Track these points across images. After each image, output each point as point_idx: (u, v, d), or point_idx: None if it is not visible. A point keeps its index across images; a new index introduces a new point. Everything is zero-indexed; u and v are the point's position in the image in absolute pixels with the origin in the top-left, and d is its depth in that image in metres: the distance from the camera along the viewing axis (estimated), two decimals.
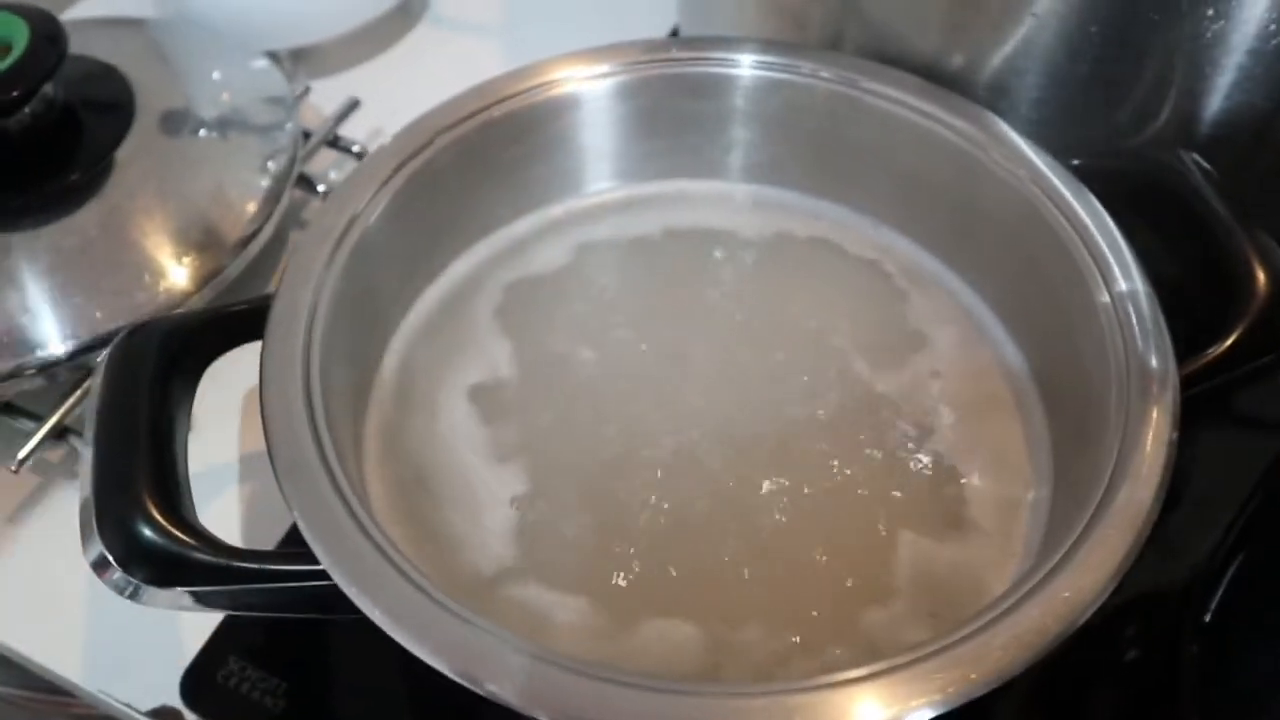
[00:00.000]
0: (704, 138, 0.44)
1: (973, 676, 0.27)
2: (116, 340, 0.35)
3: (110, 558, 0.31)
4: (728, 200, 0.45)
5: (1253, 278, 0.37)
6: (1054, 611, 0.28)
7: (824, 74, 0.42)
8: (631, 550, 0.35)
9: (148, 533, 0.31)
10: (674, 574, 0.35)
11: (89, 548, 0.31)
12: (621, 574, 0.35)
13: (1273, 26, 0.39)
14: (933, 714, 0.27)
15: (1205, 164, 0.41)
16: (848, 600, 0.34)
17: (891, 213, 0.44)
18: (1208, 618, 0.39)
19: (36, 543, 0.44)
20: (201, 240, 0.46)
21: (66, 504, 0.45)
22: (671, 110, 0.43)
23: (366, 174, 0.38)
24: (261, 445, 0.45)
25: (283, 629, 0.41)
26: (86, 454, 0.33)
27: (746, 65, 0.42)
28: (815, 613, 0.34)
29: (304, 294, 0.35)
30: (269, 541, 0.43)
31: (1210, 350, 0.36)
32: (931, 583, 0.35)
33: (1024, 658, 0.27)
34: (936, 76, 0.43)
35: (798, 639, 0.33)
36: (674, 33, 0.62)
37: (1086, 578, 0.29)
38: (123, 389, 0.34)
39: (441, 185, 0.40)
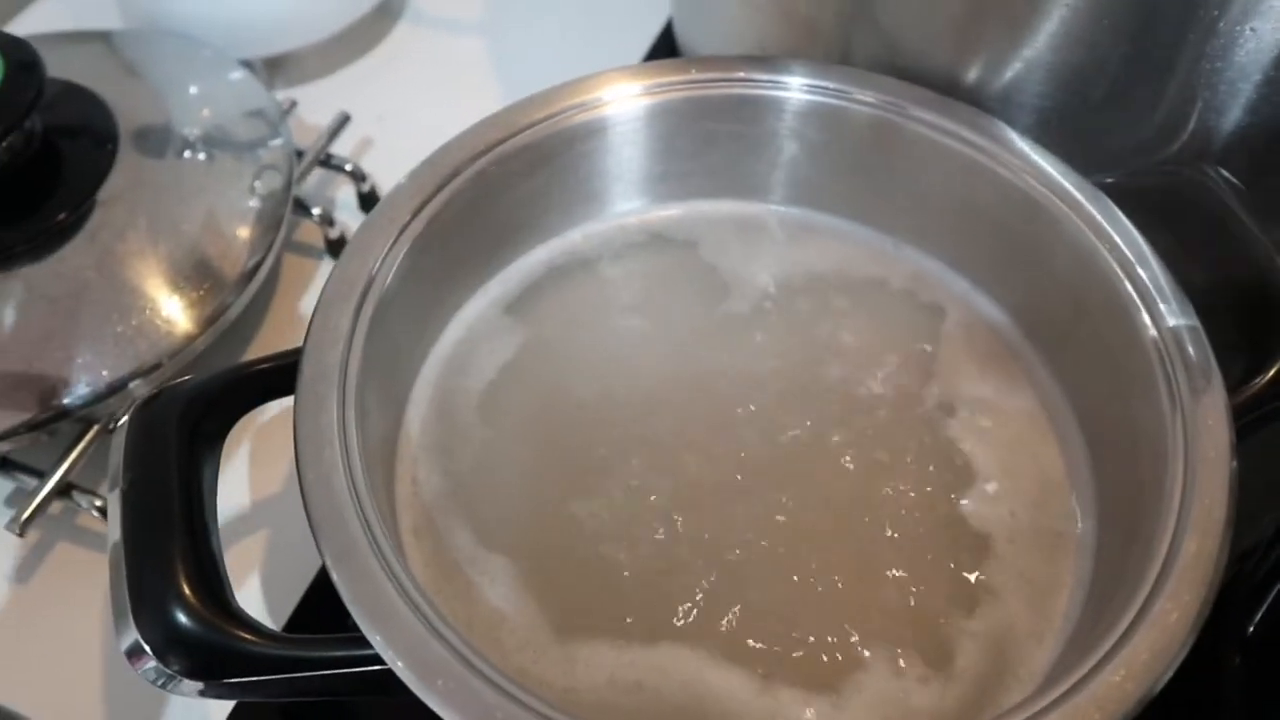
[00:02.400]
0: (730, 159, 0.43)
1: None
2: (135, 409, 0.33)
3: (147, 648, 0.29)
4: (754, 221, 0.44)
5: None
6: (1135, 676, 0.28)
7: (866, 98, 0.40)
8: (692, 600, 0.34)
9: (187, 621, 0.30)
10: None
11: (123, 636, 0.30)
12: (683, 615, 0.34)
13: None
14: None
15: (1233, 179, 0.41)
16: (877, 632, 0.34)
17: (928, 239, 0.43)
18: (1251, 629, 0.39)
19: (40, 602, 0.42)
20: (200, 278, 0.44)
21: (69, 561, 0.43)
22: (698, 132, 0.42)
23: (386, 217, 0.37)
24: (274, 489, 0.44)
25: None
26: (114, 535, 0.31)
27: (782, 88, 0.41)
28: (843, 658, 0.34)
29: (333, 356, 0.33)
30: (293, 593, 0.41)
31: (1256, 380, 0.35)
32: (977, 622, 0.35)
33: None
34: (952, 90, 0.42)
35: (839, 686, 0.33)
36: (666, 31, 0.61)
37: (1165, 635, 0.28)
38: (149, 464, 0.32)
39: (461, 222, 0.39)
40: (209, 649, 0.29)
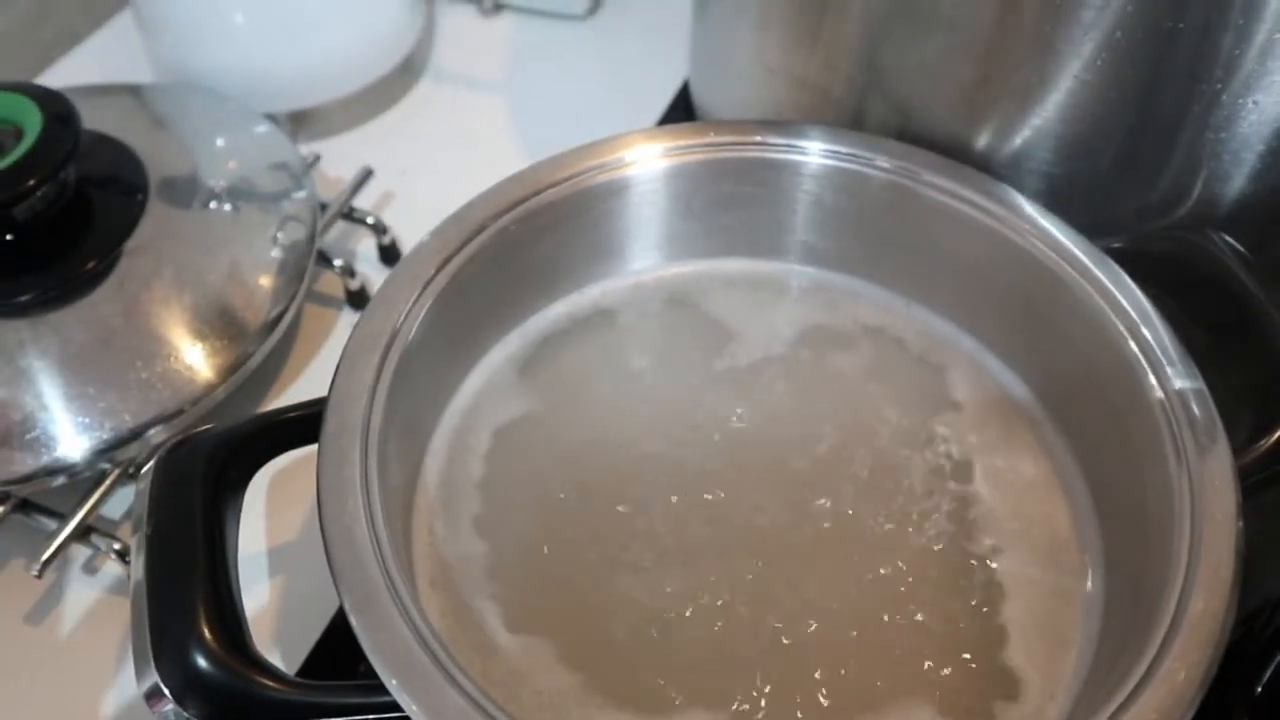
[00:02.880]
0: (746, 219, 0.44)
1: None
2: (161, 454, 0.34)
3: (166, 691, 0.30)
4: (770, 281, 0.45)
5: None
6: None
7: (879, 163, 0.41)
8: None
9: (206, 665, 0.30)
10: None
11: (143, 678, 0.30)
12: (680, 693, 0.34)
13: None
14: None
15: (1238, 245, 0.41)
16: (895, 686, 0.34)
17: (941, 301, 0.44)
18: (1259, 690, 0.39)
19: (56, 645, 0.42)
20: (223, 327, 0.45)
21: (87, 604, 0.43)
22: (716, 193, 0.43)
23: (410, 273, 0.37)
24: (291, 535, 0.45)
25: None
26: (137, 577, 0.32)
27: (800, 152, 0.42)
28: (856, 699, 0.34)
29: (356, 409, 0.34)
30: (308, 637, 0.42)
31: (1261, 442, 0.36)
32: (983, 681, 0.35)
33: None
34: (962, 155, 0.43)
35: None
36: (683, 92, 0.62)
37: (1172, 694, 0.29)
38: (173, 509, 0.33)
39: (483, 278, 0.39)
40: (228, 694, 0.30)
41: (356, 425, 0.33)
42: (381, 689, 0.29)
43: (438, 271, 0.38)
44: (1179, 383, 0.36)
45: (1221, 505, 0.33)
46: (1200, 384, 0.36)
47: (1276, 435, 0.36)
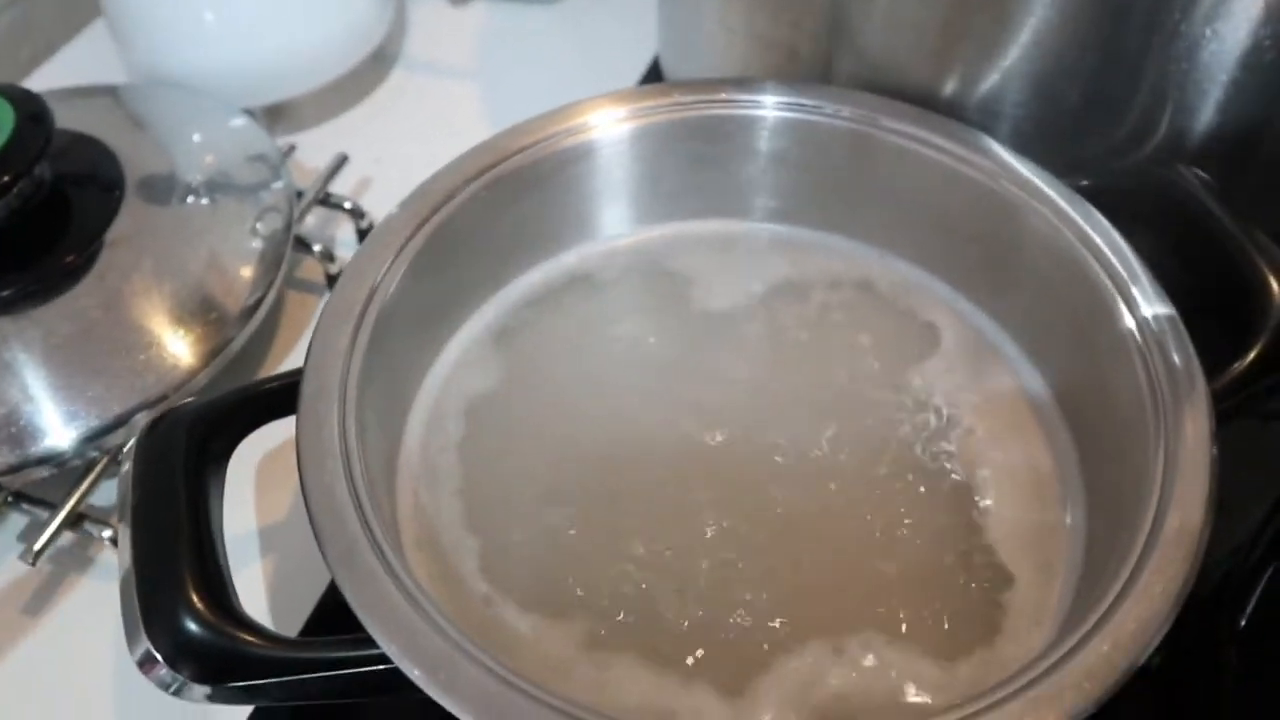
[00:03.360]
0: (716, 178, 0.44)
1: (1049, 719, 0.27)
2: (142, 430, 0.34)
3: (158, 655, 0.30)
4: (743, 240, 0.45)
5: (1268, 289, 0.37)
6: (1121, 646, 0.28)
7: (843, 113, 0.42)
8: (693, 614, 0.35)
9: (195, 628, 0.30)
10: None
11: (135, 646, 0.31)
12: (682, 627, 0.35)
13: (1267, 41, 0.39)
14: None
15: (1205, 176, 0.42)
16: (893, 639, 0.35)
17: (912, 248, 0.44)
18: (1243, 623, 0.39)
19: (53, 632, 0.43)
20: (204, 314, 0.46)
21: (84, 592, 0.44)
22: (683, 153, 0.43)
23: (381, 242, 0.38)
24: (281, 514, 0.45)
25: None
26: (124, 549, 0.32)
27: (761, 106, 0.42)
28: (856, 666, 0.34)
29: (333, 374, 0.34)
30: (298, 617, 0.42)
31: (1235, 365, 0.36)
32: (970, 615, 0.35)
33: (1096, 695, 0.28)
34: (930, 104, 0.44)
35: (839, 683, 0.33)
36: (654, 67, 0.62)
37: (1149, 607, 0.29)
38: (156, 481, 0.33)
39: (455, 246, 0.40)
40: (218, 654, 0.30)
41: (333, 389, 0.34)
42: (368, 642, 0.29)
43: (409, 239, 0.38)
44: (1150, 310, 0.36)
45: (1196, 428, 0.33)
46: (1172, 310, 0.36)
47: (1250, 358, 0.36)
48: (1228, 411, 0.35)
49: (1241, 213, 0.40)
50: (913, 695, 0.33)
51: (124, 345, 0.44)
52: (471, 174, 0.40)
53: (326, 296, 0.53)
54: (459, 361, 0.42)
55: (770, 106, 0.42)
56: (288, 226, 0.50)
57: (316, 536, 0.30)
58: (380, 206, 0.55)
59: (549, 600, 0.35)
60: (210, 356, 0.45)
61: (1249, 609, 0.39)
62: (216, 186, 0.51)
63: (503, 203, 0.41)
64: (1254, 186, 0.45)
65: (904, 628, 0.35)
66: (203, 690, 0.30)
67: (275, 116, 0.61)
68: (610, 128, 0.42)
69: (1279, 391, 0.36)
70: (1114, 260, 0.37)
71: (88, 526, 0.42)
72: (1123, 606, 0.29)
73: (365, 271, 0.37)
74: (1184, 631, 0.41)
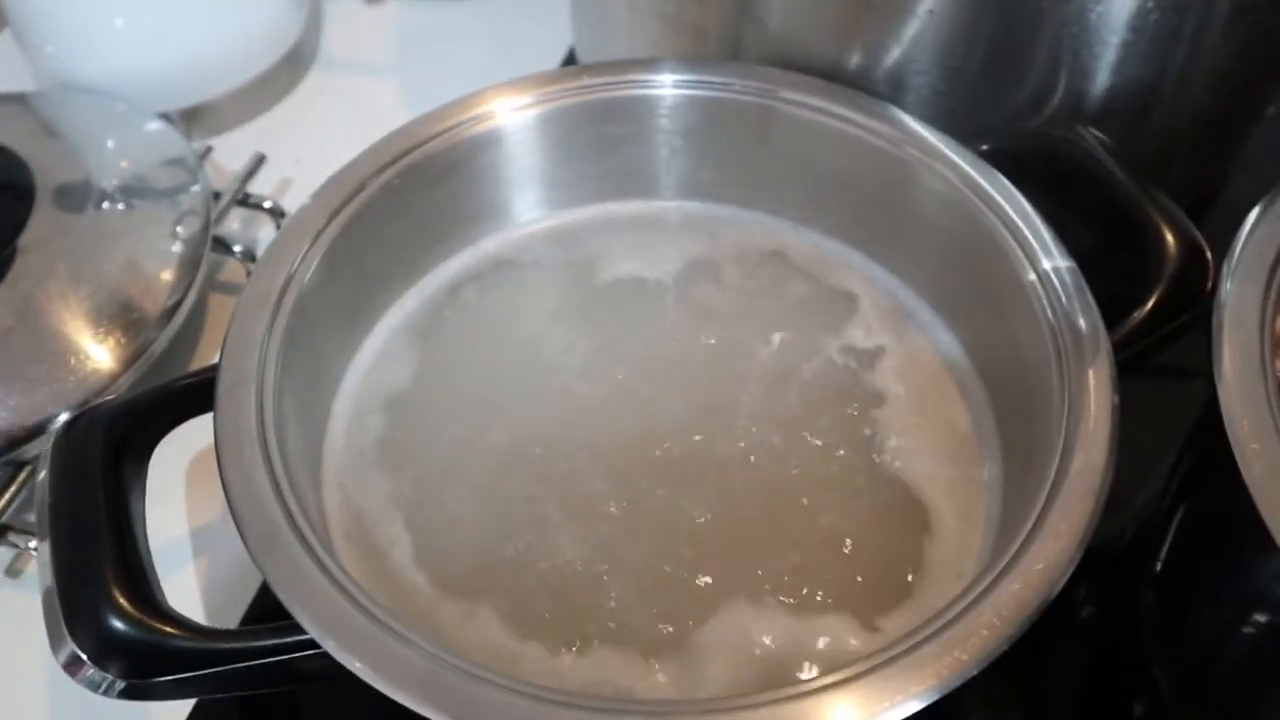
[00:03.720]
0: (628, 159, 0.45)
1: (964, 658, 0.28)
2: (59, 430, 0.34)
3: (84, 656, 0.30)
4: (657, 219, 0.46)
5: (1163, 242, 0.39)
6: (1031, 584, 0.29)
7: (741, 86, 0.42)
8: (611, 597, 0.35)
9: (120, 625, 0.30)
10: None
11: (59, 649, 0.30)
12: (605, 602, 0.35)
13: (1150, 3, 0.41)
14: (928, 701, 0.28)
15: (1102, 136, 0.43)
16: (809, 585, 0.35)
17: (822, 218, 0.45)
18: (1159, 566, 0.41)
19: None
20: (123, 318, 0.45)
21: (13, 605, 0.43)
22: (593, 136, 0.44)
23: (296, 232, 0.38)
24: (212, 517, 0.45)
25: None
26: (44, 552, 0.32)
27: (665, 85, 0.43)
28: (780, 617, 0.35)
29: (249, 362, 0.34)
30: (233, 616, 0.42)
31: (1135, 314, 0.37)
32: (895, 571, 0.36)
33: (1008, 633, 0.28)
34: (837, 78, 0.45)
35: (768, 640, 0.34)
36: (569, 58, 0.63)
37: (1057, 544, 0.30)
38: (74, 481, 0.33)
39: (371, 235, 0.40)
40: (144, 649, 0.30)
41: (250, 377, 0.34)
42: (294, 629, 0.29)
43: (324, 228, 0.38)
44: (1051, 263, 0.37)
45: (1097, 374, 0.34)
46: (1072, 263, 0.37)
47: (1148, 308, 0.37)
48: (1129, 361, 0.36)
49: (1141, 171, 0.41)
50: (839, 647, 0.34)
51: (41, 352, 0.43)
52: (384, 162, 0.40)
53: None
54: (381, 353, 0.42)
55: (676, 85, 0.43)
56: (206, 228, 0.49)
57: (236, 522, 0.30)
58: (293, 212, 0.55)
59: (481, 587, 0.36)
60: (131, 360, 0.44)
61: (1164, 552, 0.40)
62: (132, 191, 0.50)
63: (417, 191, 0.41)
64: (1150, 145, 0.47)
65: (830, 585, 0.35)
66: (132, 687, 0.30)
67: (192, 119, 0.60)
68: (519, 112, 0.42)
69: (1175, 340, 0.37)
70: (1016, 218, 0.38)
71: (12, 538, 0.42)
72: (1032, 547, 0.30)
73: (281, 261, 0.37)
74: (1106, 582, 0.43)
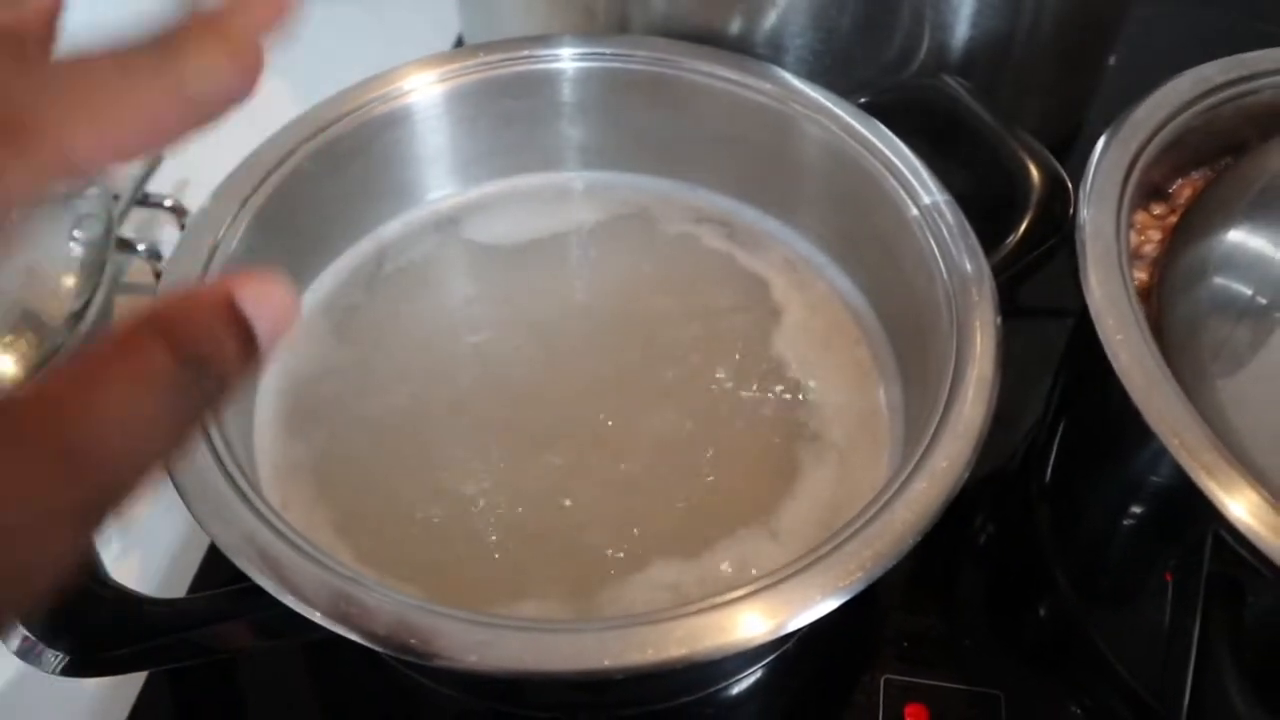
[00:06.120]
0: (531, 134, 0.46)
1: (881, 550, 0.30)
2: None
3: (34, 637, 0.30)
4: (563, 191, 0.48)
5: (1027, 174, 0.42)
6: (936, 480, 0.32)
7: (634, 56, 0.44)
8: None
9: (68, 603, 0.31)
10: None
11: (10, 637, 0.31)
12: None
13: None
14: (854, 591, 0.30)
15: (967, 83, 0.46)
16: (734, 523, 0.37)
17: (718, 178, 0.47)
18: (1048, 479, 0.44)
19: None
20: (25, 325, 0.45)
21: None
22: (496, 111, 0.45)
23: (207, 224, 0.39)
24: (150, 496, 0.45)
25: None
26: None
27: (563, 59, 0.45)
28: (705, 558, 0.37)
29: None
30: (180, 585, 0.42)
31: (1009, 240, 0.41)
32: (811, 496, 0.38)
33: (920, 525, 0.31)
34: (721, 44, 0.47)
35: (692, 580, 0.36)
36: (459, 43, 0.64)
37: (956, 445, 0.32)
38: None
39: (280, 221, 0.40)
40: (94, 625, 0.31)
41: None
42: (255, 590, 0.30)
43: (233, 219, 0.39)
44: (930, 199, 0.40)
45: (980, 293, 0.37)
46: (948, 196, 0.40)
47: (1020, 233, 0.41)
48: (1007, 282, 0.39)
49: (1006, 115, 0.45)
50: (761, 569, 0.36)
51: None
52: (291, 147, 0.41)
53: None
54: (299, 337, 0.42)
55: (571, 59, 0.45)
56: (108, 230, 0.49)
57: (177, 489, 0.31)
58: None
59: (406, 561, 0.36)
60: (39, 365, 0.44)
61: (1050, 465, 0.44)
62: None
63: (325, 174, 0.42)
64: (1010, 90, 0.51)
65: (746, 518, 0.37)
66: (85, 662, 0.31)
67: None
68: (422, 91, 0.44)
69: (1046, 261, 0.41)
70: (896, 161, 0.41)
71: None
72: (935, 450, 0.32)
73: (195, 253, 0.38)
74: (1004, 504, 0.46)
